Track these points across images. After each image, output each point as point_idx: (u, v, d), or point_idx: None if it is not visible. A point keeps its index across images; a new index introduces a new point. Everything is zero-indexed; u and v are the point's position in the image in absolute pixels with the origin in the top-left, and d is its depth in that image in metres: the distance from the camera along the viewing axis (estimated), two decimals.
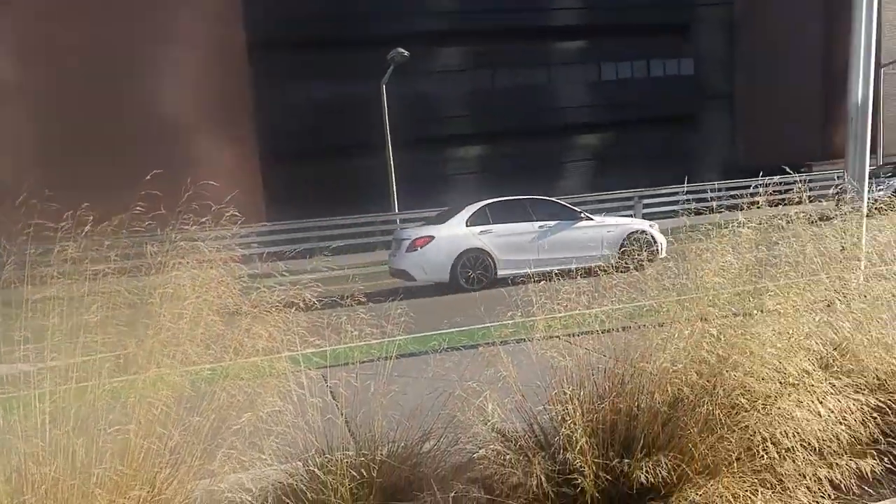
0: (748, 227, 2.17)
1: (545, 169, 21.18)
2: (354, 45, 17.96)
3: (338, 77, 18.60)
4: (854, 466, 1.56)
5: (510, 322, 1.85)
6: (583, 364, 1.83)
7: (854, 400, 1.66)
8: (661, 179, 20.87)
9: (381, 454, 1.68)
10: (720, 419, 1.50)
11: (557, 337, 1.79)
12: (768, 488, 1.48)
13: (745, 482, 1.44)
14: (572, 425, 1.53)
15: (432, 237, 10.02)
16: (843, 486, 1.57)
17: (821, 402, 1.55)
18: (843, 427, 1.57)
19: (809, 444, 1.59)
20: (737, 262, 2.04)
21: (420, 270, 9.57)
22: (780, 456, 1.49)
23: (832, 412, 1.57)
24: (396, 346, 1.94)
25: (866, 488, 1.67)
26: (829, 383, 1.63)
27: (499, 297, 2.05)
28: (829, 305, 2.16)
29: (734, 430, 1.50)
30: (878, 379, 1.95)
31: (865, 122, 5.56)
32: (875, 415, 1.69)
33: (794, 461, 1.49)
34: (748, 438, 1.49)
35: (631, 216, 14.27)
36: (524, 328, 1.85)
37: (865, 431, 1.73)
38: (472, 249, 9.79)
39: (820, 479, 1.55)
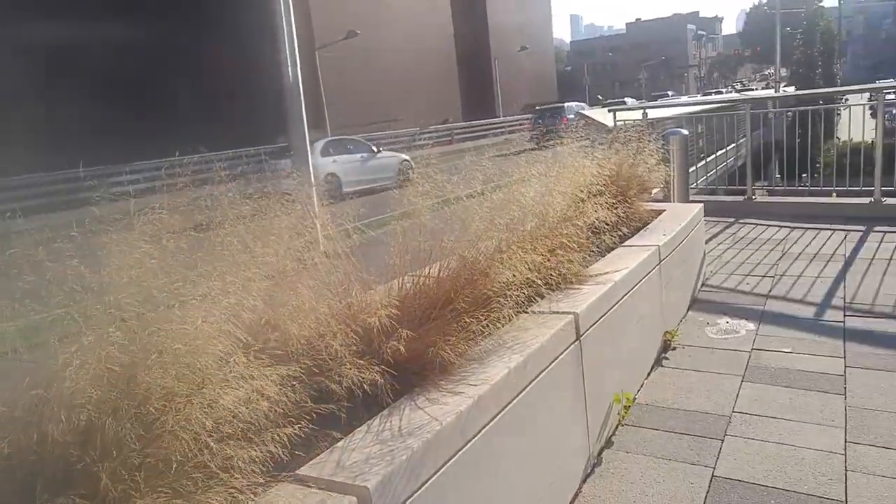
0: (167, 212, 2.09)
1: None
2: None
3: None
4: (281, 437, 1.62)
5: None
6: None
7: (277, 373, 1.74)
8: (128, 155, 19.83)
9: None
10: (130, 438, 1.38)
11: None
12: (200, 489, 1.43)
13: (169, 494, 1.36)
14: None
15: None
16: (276, 458, 1.63)
17: (243, 385, 1.57)
18: (267, 404, 1.63)
19: (241, 428, 1.60)
20: (157, 251, 1.94)
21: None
22: (208, 451, 1.46)
23: (258, 391, 1.61)
24: None
25: (298, 452, 1.77)
26: (251, 363, 1.66)
27: None
28: (273, 276, 2.26)
29: (151, 443, 1.40)
30: (308, 342, 2.11)
31: (300, 100, 6.13)
32: (294, 381, 1.81)
33: (222, 452, 1.47)
34: (168, 445, 1.41)
35: None
36: None
37: (294, 397, 1.84)
38: (330, 173, 14.86)
39: (254, 459, 1.57)
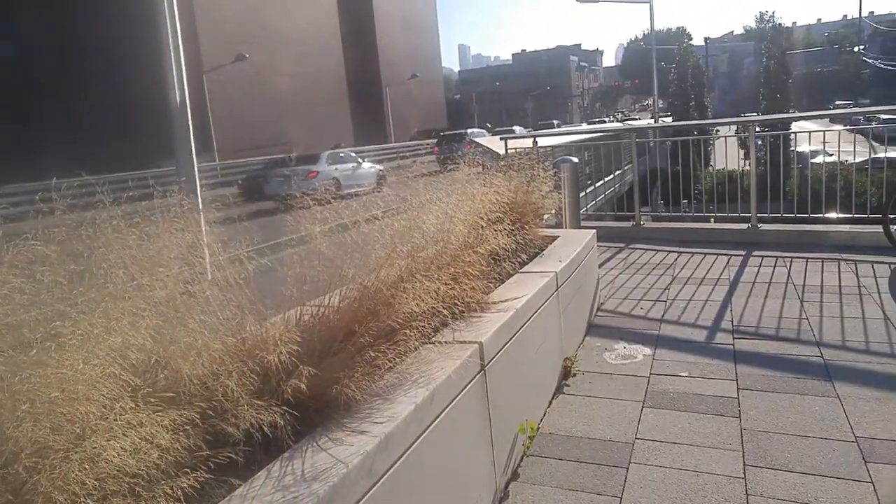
0: (42, 242, 1.91)
1: None
2: None
3: None
4: (175, 489, 1.49)
5: None
6: None
7: (170, 418, 1.60)
8: None
9: None
10: None
11: None
12: None
13: None
14: None
15: (318, 171, 20.58)
16: None
17: (130, 433, 1.43)
18: (158, 452, 1.49)
19: (129, 482, 1.45)
20: (29, 285, 1.75)
21: (315, 191, 17.46)
22: None
23: (143, 440, 1.47)
24: None
25: None
26: (140, 408, 1.52)
27: None
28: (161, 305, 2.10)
29: None
30: (201, 382, 1.97)
31: (187, 123, 5.88)
32: (188, 425, 1.68)
33: None
34: None
35: None
36: None
37: (187, 443, 1.70)
38: (334, 178, 19.64)
39: None
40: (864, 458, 3.03)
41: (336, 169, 21.57)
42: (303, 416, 2.14)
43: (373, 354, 2.36)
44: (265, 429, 1.92)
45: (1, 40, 23.68)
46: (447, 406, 2.60)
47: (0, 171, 19.17)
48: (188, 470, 1.61)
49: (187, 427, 1.67)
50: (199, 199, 5.77)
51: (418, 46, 59.82)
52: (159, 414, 1.60)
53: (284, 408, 1.98)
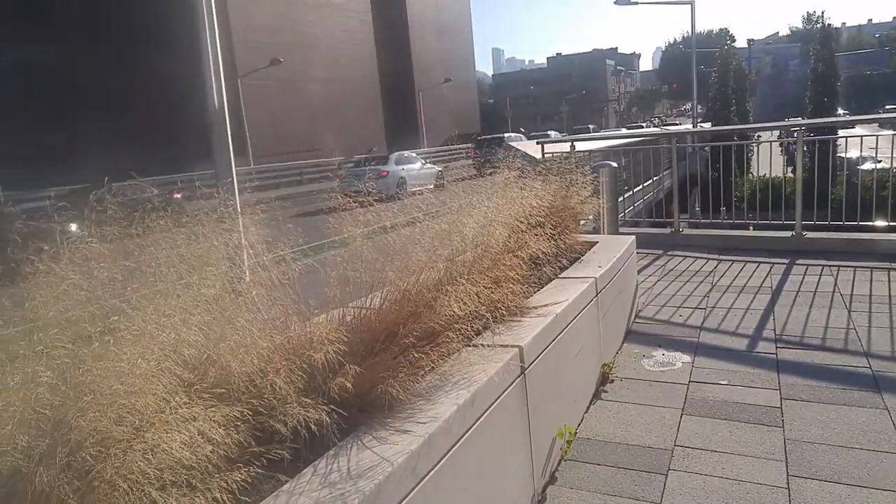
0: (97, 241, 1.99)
1: None
2: None
3: None
4: (226, 484, 1.54)
5: None
6: None
7: (222, 413, 1.65)
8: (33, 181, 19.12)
9: None
10: (63, 490, 1.27)
11: None
12: None
13: None
14: None
15: (388, 171, 22.91)
16: None
17: (186, 427, 1.48)
18: (210, 447, 1.55)
19: (184, 475, 1.51)
20: (86, 281, 1.83)
21: (386, 188, 16.95)
22: (149, 502, 1.36)
23: (198, 434, 1.52)
24: None
25: (244, 498, 1.68)
26: (194, 402, 1.58)
27: None
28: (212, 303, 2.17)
29: (86, 495, 1.30)
30: (248, 379, 2.03)
31: (225, 127, 6.01)
32: (239, 422, 1.73)
33: (167, 502, 1.38)
34: (105, 497, 1.31)
35: None
36: None
37: (237, 438, 1.75)
38: (401, 177, 22.84)
39: None
40: None
41: (403, 169, 24.07)
42: (347, 415, 2.19)
43: (416, 355, 2.40)
44: (312, 426, 1.96)
45: (48, 53, 24.49)
46: (488, 408, 2.63)
47: (59, 174, 19.84)
48: (240, 465, 1.66)
49: (238, 423, 1.73)
50: (238, 201, 5.92)
51: (452, 51, 60.07)
52: (212, 409, 1.66)
53: (331, 406, 2.02)
